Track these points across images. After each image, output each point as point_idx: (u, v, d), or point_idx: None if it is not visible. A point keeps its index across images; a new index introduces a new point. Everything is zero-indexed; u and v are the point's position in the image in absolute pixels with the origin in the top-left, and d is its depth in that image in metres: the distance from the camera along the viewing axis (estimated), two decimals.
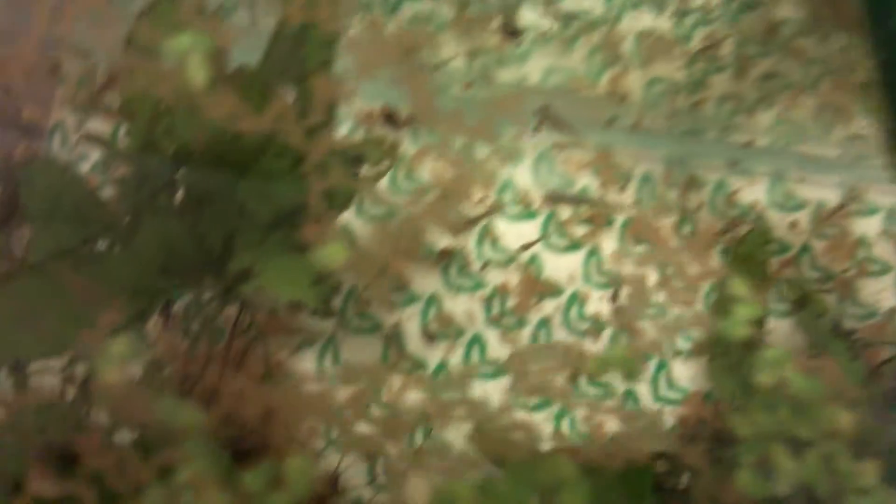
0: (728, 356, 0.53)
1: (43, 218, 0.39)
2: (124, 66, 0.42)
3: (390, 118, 0.57)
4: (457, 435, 0.54)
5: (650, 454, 0.30)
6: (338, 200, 0.44)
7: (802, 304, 0.47)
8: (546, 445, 0.43)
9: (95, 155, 0.56)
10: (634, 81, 0.61)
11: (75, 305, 0.39)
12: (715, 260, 0.60)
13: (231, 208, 0.40)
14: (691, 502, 0.33)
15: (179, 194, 0.42)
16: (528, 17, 0.61)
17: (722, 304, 0.46)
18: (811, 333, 0.46)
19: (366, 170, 0.47)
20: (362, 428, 0.53)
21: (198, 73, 0.26)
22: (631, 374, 0.33)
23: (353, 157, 0.45)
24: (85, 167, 0.55)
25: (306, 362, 0.54)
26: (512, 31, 0.58)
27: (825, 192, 0.61)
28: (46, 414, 0.35)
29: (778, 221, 0.61)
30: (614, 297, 0.55)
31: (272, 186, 0.38)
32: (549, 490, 0.26)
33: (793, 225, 0.61)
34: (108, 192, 0.45)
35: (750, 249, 0.49)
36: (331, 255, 0.32)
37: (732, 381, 0.53)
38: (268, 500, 0.23)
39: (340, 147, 0.44)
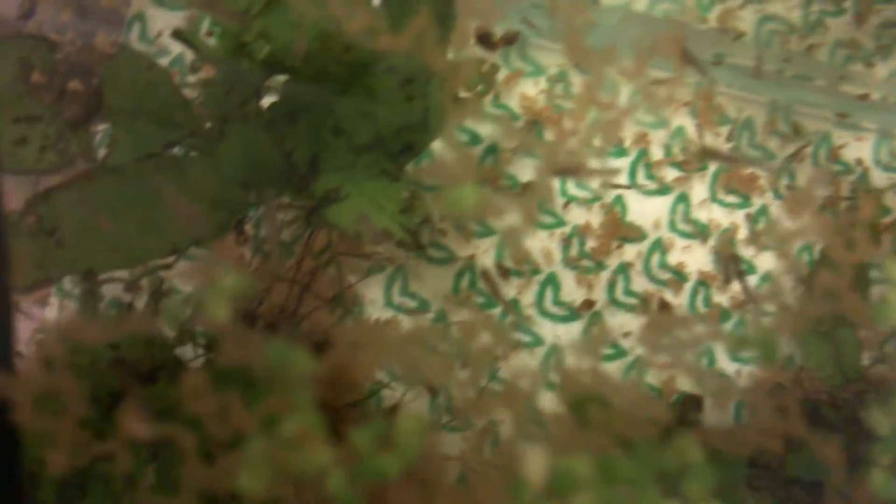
0: (822, 326, 0.50)
1: (126, 116, 0.37)
2: None
3: (485, 38, 0.53)
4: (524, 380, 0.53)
5: (781, 442, 0.28)
6: (435, 122, 0.41)
7: None
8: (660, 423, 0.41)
9: (176, 48, 0.53)
10: (746, 17, 0.56)
11: (153, 214, 0.37)
12: (812, 216, 0.56)
13: (324, 124, 0.37)
14: (822, 497, 0.30)
15: (268, 102, 0.39)
16: None
17: (861, 282, 0.42)
18: None
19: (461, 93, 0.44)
20: (425, 362, 0.52)
21: None
22: (769, 355, 0.30)
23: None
24: (164, 61, 0.52)
25: (373, 289, 0.52)
26: None
27: None
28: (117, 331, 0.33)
29: (883, 182, 0.57)
30: (733, 276, 0.52)
31: (376, 106, 0.35)
32: (673, 475, 0.24)
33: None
34: (191, 93, 0.42)
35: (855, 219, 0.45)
36: (464, 197, 0.29)
37: (825, 353, 0.50)
38: (376, 461, 0.22)
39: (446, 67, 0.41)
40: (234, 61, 0.37)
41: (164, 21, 0.52)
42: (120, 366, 0.30)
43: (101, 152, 0.38)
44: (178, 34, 0.38)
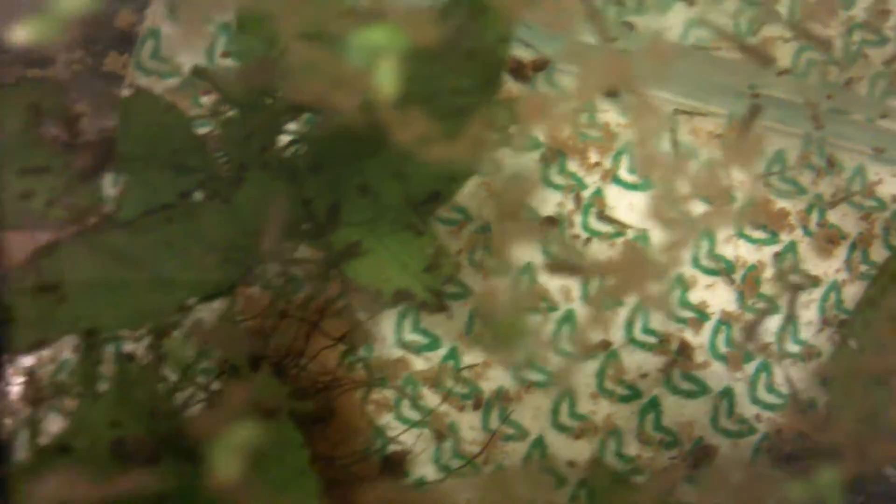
0: (854, 378, 0.48)
1: (138, 164, 0.35)
2: None
3: (518, 70, 0.51)
4: (534, 422, 0.51)
5: None
6: (463, 171, 0.39)
7: None
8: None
9: (189, 63, 0.50)
10: (784, 47, 0.54)
11: (162, 268, 0.35)
12: (841, 257, 0.54)
13: (349, 178, 0.35)
14: None
15: (290, 149, 0.37)
16: None
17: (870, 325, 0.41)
18: None
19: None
20: (435, 403, 0.50)
21: (387, 84, 0.20)
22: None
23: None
24: (177, 82, 0.50)
25: (384, 326, 0.50)
26: None
27: None
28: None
29: None
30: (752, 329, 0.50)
31: (408, 166, 0.33)
32: None
33: None
34: (205, 126, 0.40)
35: None
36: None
37: (855, 404, 0.48)
38: None
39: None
40: (256, 102, 0.35)
41: (179, 39, 0.50)
42: (121, 448, 0.29)
43: (111, 204, 0.36)
44: (198, 72, 0.36)
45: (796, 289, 0.49)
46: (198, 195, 0.36)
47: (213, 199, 0.36)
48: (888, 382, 0.44)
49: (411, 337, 0.51)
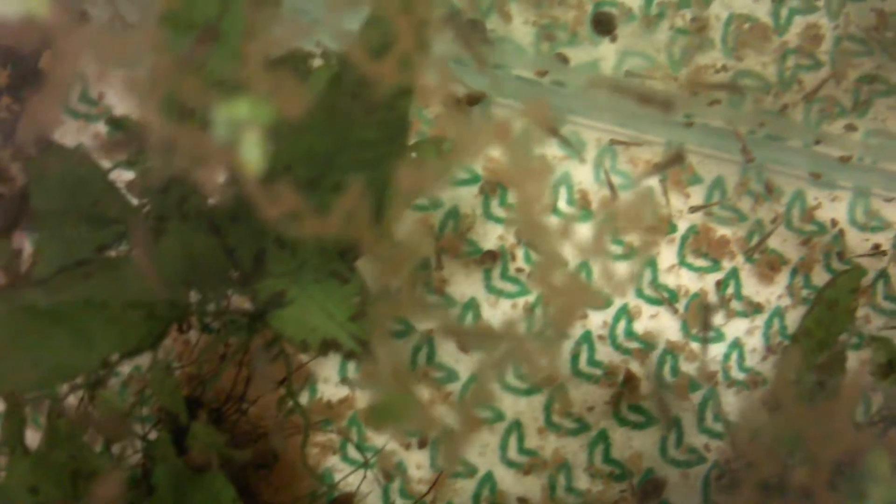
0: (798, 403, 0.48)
1: (54, 219, 0.34)
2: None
3: (455, 105, 0.51)
4: (482, 459, 0.51)
5: None
6: (389, 213, 0.38)
7: (891, 368, 0.42)
8: None
9: (118, 108, 0.50)
10: (719, 74, 0.54)
11: (82, 325, 0.34)
12: (783, 283, 0.54)
13: (268, 226, 0.35)
14: None
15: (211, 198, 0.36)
16: None
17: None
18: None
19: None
20: (381, 443, 0.49)
21: (253, 158, 0.19)
22: None
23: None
24: (101, 128, 0.49)
25: (327, 367, 0.50)
26: (605, 21, 0.51)
27: None
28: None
29: (858, 242, 0.55)
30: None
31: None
32: None
33: (875, 247, 0.55)
34: (125, 174, 0.39)
35: (839, 295, 0.43)
36: (396, 407, 0.27)
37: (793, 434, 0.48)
38: None
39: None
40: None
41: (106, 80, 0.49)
42: None
43: (28, 261, 0.35)
44: (113, 122, 0.35)
45: (707, 313, 0.49)
46: (118, 248, 0.36)
47: (132, 251, 0.35)
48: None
49: (355, 376, 0.50)
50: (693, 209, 0.50)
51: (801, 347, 0.43)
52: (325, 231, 0.23)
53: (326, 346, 0.35)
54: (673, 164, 0.36)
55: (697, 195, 0.54)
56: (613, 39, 0.52)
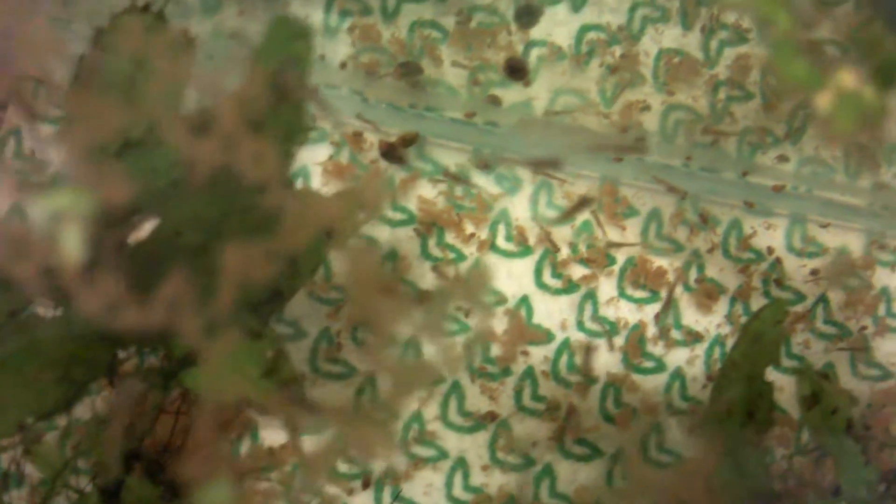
0: (728, 426, 0.48)
1: None
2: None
3: (388, 151, 0.52)
4: (427, 498, 0.51)
5: None
6: (306, 267, 0.39)
7: (814, 399, 0.42)
8: None
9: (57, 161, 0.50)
10: (652, 105, 0.55)
11: None
12: (721, 312, 0.55)
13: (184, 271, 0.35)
14: None
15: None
16: (539, 30, 0.54)
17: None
18: (821, 432, 0.42)
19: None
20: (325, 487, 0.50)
21: (72, 250, 0.20)
22: None
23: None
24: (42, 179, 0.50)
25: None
26: (517, 68, 0.52)
27: (849, 239, 0.56)
28: None
29: (795, 269, 0.56)
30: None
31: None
32: None
33: (813, 273, 0.55)
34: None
35: (764, 327, 0.44)
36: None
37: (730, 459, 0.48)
38: None
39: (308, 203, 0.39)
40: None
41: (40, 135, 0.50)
42: None
43: None
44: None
45: (589, 356, 0.50)
46: (29, 311, 0.36)
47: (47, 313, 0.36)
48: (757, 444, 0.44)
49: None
50: (612, 244, 0.51)
51: (730, 380, 0.44)
52: (148, 323, 0.24)
53: (240, 405, 0.35)
54: (582, 209, 0.37)
55: (634, 227, 0.55)
56: (527, 84, 0.53)
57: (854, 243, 0.55)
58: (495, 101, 0.53)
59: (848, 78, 0.23)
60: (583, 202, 0.36)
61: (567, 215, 0.37)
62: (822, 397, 0.42)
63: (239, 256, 0.31)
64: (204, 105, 0.26)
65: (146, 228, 0.37)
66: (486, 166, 0.54)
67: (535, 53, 0.54)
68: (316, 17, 0.53)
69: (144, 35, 0.38)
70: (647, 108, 0.54)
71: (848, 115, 0.23)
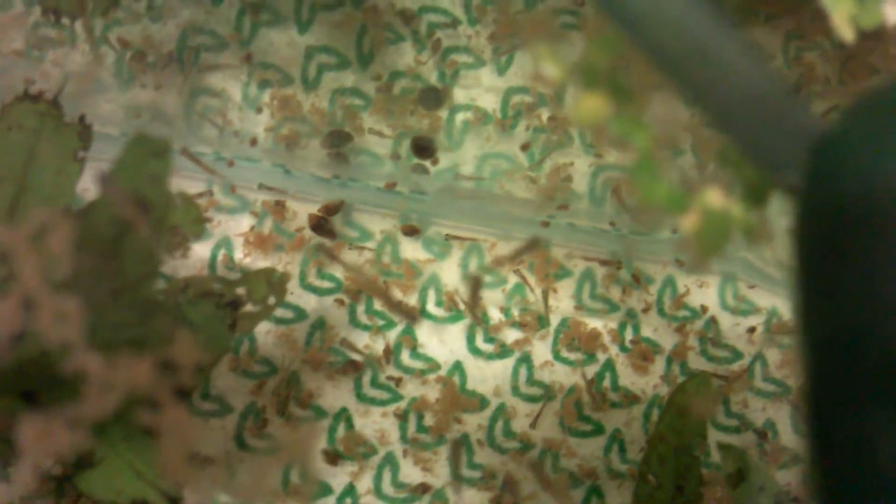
0: (658, 501, 0.48)
1: None
2: None
3: (319, 224, 0.51)
4: None
5: None
6: (212, 351, 0.38)
7: (740, 476, 0.41)
8: None
9: None
10: (579, 168, 0.55)
11: None
12: (658, 372, 0.54)
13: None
14: None
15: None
16: (464, 94, 0.54)
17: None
18: None
19: (249, 307, 0.41)
20: None
21: None
22: None
23: (228, 302, 0.39)
24: None
25: (197, 491, 0.49)
26: (424, 147, 0.51)
27: (777, 302, 0.56)
28: None
29: (730, 327, 0.55)
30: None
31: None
32: None
33: (751, 331, 0.55)
34: None
35: (688, 400, 0.43)
36: None
37: None
38: None
39: (211, 289, 0.38)
40: None
41: None
42: None
43: None
44: None
45: (456, 454, 0.49)
46: None
47: None
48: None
49: (223, 499, 0.50)
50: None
51: (657, 453, 0.43)
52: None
53: None
54: (530, 251, 0.36)
55: (566, 289, 0.54)
56: (434, 162, 0.52)
57: (782, 306, 0.55)
58: (422, 171, 0.53)
59: (714, 197, 0.23)
60: (532, 244, 0.36)
61: (516, 256, 0.36)
62: (747, 474, 0.41)
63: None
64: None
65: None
66: (414, 232, 0.53)
67: (459, 118, 0.54)
68: (234, 90, 0.52)
69: (37, 123, 0.37)
70: (567, 178, 0.54)
71: (716, 235, 0.23)
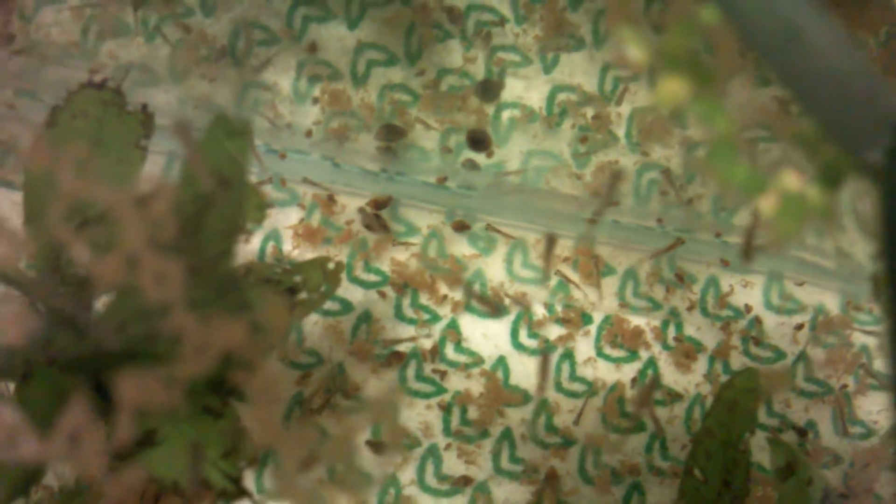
0: (705, 495, 0.48)
1: None
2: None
3: (372, 221, 0.52)
4: None
5: None
6: (267, 339, 0.39)
7: (789, 470, 0.41)
8: None
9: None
10: (624, 169, 0.55)
11: None
12: (701, 371, 0.54)
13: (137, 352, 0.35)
14: None
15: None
16: (510, 91, 0.54)
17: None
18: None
19: (304, 295, 0.42)
20: None
21: None
22: None
23: (287, 287, 0.40)
24: None
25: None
26: (479, 139, 0.52)
27: (825, 298, 0.56)
28: None
29: (774, 326, 0.55)
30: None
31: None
32: None
33: (798, 328, 0.55)
34: None
35: (737, 395, 0.43)
36: None
37: None
38: None
39: (270, 274, 0.39)
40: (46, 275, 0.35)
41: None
42: None
43: None
44: None
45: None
46: None
47: None
48: None
49: (269, 487, 0.50)
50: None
51: (705, 448, 0.43)
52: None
53: (198, 485, 0.35)
54: (549, 250, 0.37)
55: (610, 286, 0.55)
56: (489, 155, 0.53)
57: (830, 302, 0.55)
58: (472, 166, 0.53)
59: (791, 180, 0.23)
60: (548, 241, 0.36)
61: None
62: (797, 468, 0.41)
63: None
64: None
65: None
66: (462, 227, 0.54)
67: (506, 115, 0.54)
68: (285, 83, 0.53)
69: (101, 111, 0.38)
70: (620, 168, 0.54)
71: (793, 218, 0.23)
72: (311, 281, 0.41)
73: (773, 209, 0.23)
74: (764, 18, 0.20)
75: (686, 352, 0.54)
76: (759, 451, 0.52)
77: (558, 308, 0.54)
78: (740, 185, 0.23)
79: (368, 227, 0.53)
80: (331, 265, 0.42)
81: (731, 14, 0.20)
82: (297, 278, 0.40)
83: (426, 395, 0.53)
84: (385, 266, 0.53)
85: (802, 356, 0.55)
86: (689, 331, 0.55)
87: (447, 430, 0.52)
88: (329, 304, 0.52)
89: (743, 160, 0.23)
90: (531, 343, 0.54)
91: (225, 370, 0.37)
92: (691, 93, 0.23)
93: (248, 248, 0.52)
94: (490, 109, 0.54)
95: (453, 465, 0.52)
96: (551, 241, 0.37)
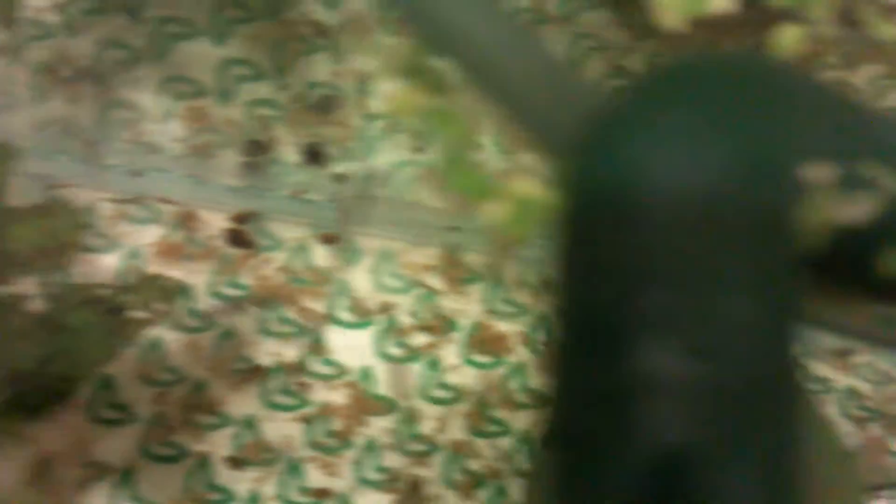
0: None
1: None
2: None
3: (234, 234, 0.52)
4: None
5: None
6: (92, 356, 0.39)
7: None
8: None
9: None
10: None
11: None
12: None
13: None
14: None
15: None
16: (380, 103, 0.55)
17: None
18: None
19: (138, 313, 0.42)
20: None
21: None
22: None
23: (109, 308, 0.40)
24: None
25: (97, 499, 0.49)
26: (316, 152, 0.53)
27: None
28: None
29: None
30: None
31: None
32: None
33: None
34: None
35: None
36: None
37: None
38: None
39: (94, 296, 0.39)
40: None
41: None
42: None
43: None
44: None
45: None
46: None
47: None
48: None
49: None
50: None
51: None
52: None
53: None
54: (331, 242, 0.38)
55: (476, 293, 0.56)
56: (326, 168, 0.54)
57: None
58: (339, 179, 0.54)
59: (521, 184, 0.24)
60: (330, 238, 0.37)
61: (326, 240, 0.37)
62: None
63: None
64: None
65: None
66: (328, 240, 0.54)
67: (377, 126, 0.55)
68: (147, 102, 0.54)
69: None
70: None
71: (523, 220, 0.24)
72: (145, 298, 0.41)
73: (503, 214, 0.24)
74: (429, 23, 0.21)
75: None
76: None
77: (424, 316, 0.55)
78: (473, 193, 0.24)
79: (232, 241, 0.53)
80: (165, 282, 0.42)
81: (409, 20, 0.21)
82: (126, 298, 0.41)
83: (288, 409, 0.53)
84: (249, 280, 0.53)
85: None
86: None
87: (309, 443, 0.53)
88: (189, 321, 0.52)
89: (474, 169, 0.24)
90: (397, 352, 0.55)
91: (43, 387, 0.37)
92: (425, 104, 0.24)
93: (107, 266, 0.52)
94: (358, 120, 0.55)
95: (315, 477, 0.53)
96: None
